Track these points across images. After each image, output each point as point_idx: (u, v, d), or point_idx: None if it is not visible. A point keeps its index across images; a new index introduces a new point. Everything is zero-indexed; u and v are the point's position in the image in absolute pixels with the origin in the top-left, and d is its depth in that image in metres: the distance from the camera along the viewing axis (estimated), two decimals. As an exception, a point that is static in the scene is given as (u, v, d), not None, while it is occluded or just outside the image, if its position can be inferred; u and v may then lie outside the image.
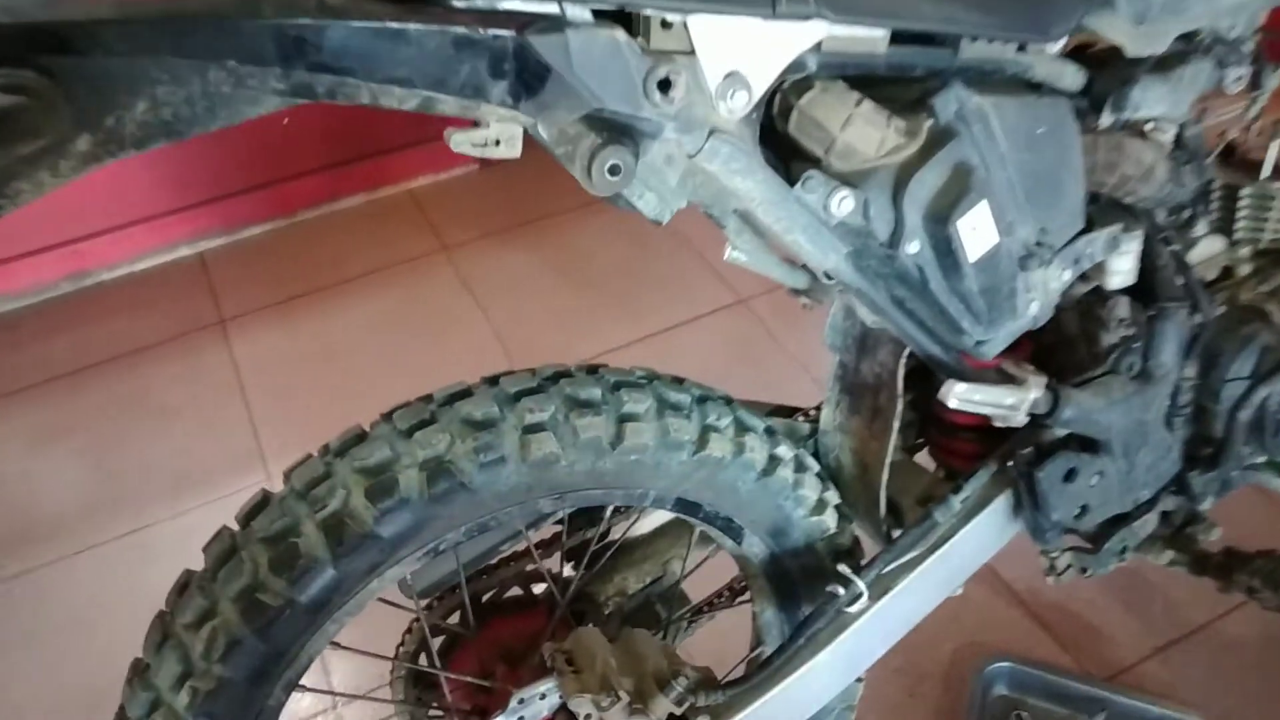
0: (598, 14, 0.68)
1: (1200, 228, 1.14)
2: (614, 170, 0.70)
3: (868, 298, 0.86)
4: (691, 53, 0.72)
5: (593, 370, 0.97)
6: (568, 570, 1.20)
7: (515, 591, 1.19)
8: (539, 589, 1.19)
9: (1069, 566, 1.10)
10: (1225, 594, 1.15)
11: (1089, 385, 0.99)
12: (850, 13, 0.74)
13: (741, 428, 1.00)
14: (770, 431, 1.04)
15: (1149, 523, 1.10)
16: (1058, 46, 0.91)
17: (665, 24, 0.72)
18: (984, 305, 0.86)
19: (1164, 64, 0.95)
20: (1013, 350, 1.01)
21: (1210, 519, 1.19)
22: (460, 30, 0.63)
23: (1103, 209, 0.99)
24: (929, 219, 0.81)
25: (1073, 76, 0.93)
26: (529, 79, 0.67)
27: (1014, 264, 0.86)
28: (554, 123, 0.71)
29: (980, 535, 1.06)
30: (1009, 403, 0.92)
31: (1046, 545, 1.06)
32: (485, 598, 1.16)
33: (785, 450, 1.04)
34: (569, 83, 0.68)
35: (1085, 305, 1.08)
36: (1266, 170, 1.16)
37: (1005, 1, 0.80)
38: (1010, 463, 1.02)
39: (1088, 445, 1.02)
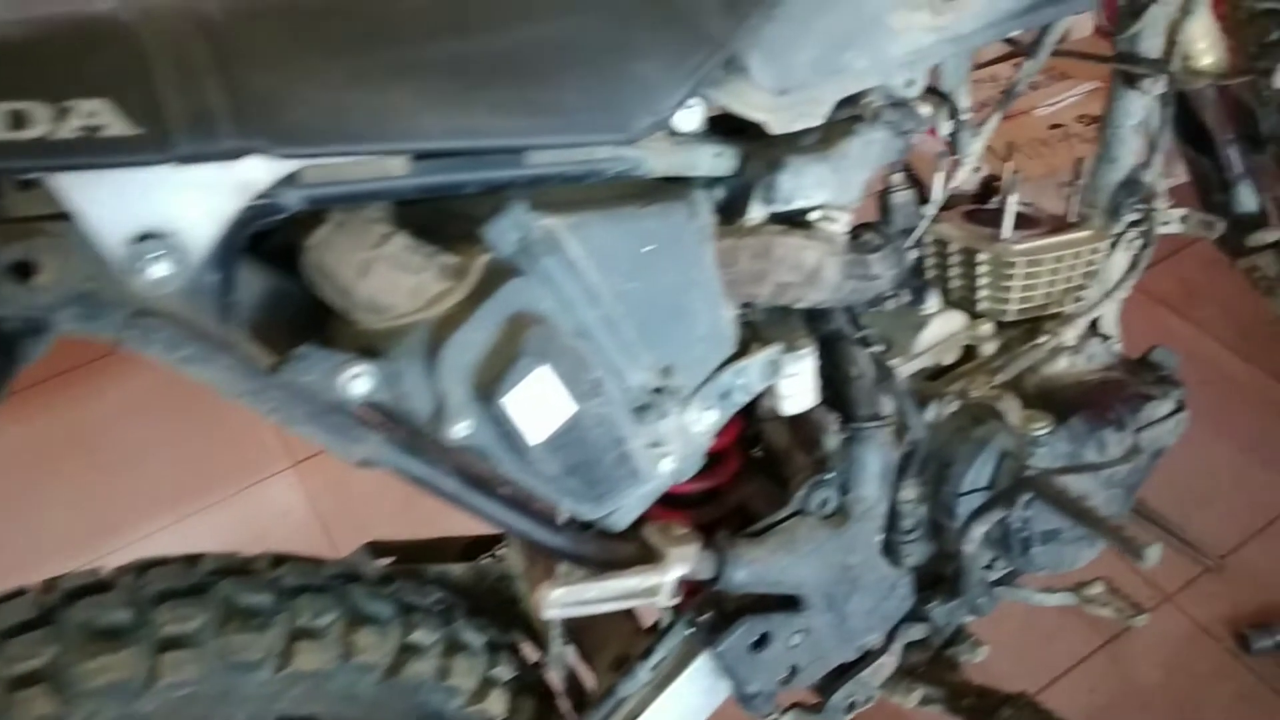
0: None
1: (931, 304, 0.97)
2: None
3: (429, 486, 0.66)
4: (66, 218, 0.51)
5: (142, 571, 0.76)
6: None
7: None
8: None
9: (791, 729, 0.92)
10: None
11: (769, 535, 0.81)
12: (305, 143, 0.54)
13: (357, 620, 0.80)
14: (407, 610, 0.84)
15: (884, 667, 0.93)
16: (693, 123, 0.72)
17: (25, 183, 0.52)
18: (580, 484, 0.67)
19: (825, 139, 0.77)
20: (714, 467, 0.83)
21: (975, 636, 1.03)
22: None
23: (768, 322, 0.80)
24: (477, 392, 0.62)
25: (713, 162, 0.75)
26: None
27: (617, 426, 0.67)
28: None
29: (680, 706, 0.87)
30: (646, 587, 0.73)
31: (759, 714, 0.89)
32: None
33: (426, 634, 0.83)
34: None
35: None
36: (1007, 230, 0.99)
37: (549, 99, 0.61)
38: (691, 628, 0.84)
39: (785, 600, 0.84)
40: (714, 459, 0.94)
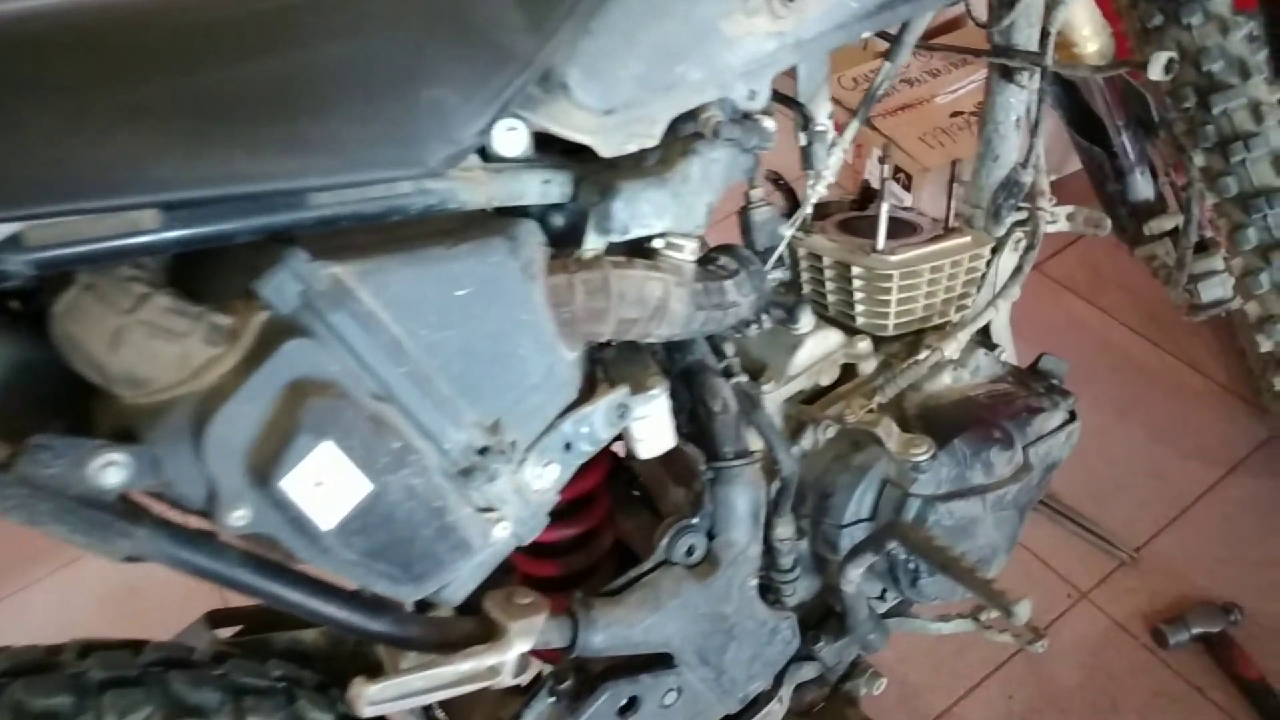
0: None
1: (805, 322, 0.91)
2: None
3: (217, 579, 0.58)
4: None
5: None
6: None
7: None
8: None
9: (675, 790, 0.86)
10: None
11: (629, 591, 0.74)
12: (8, 205, 0.46)
13: (176, 713, 0.70)
14: (239, 694, 0.75)
15: (773, 714, 0.87)
16: (517, 148, 0.64)
17: None
18: (393, 566, 0.59)
19: (664, 160, 0.70)
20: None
21: (873, 668, 0.98)
22: None
23: (620, 359, 0.74)
24: (252, 476, 0.54)
25: (542, 189, 0.68)
26: None
27: (434, 496, 0.59)
28: None
29: (552, 775, 0.81)
30: (485, 668, 0.66)
31: (636, 778, 0.82)
32: None
33: (262, 719, 0.76)
34: None
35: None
36: (881, 241, 0.93)
37: (323, 134, 0.53)
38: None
39: (656, 657, 0.77)
40: (581, 503, 0.87)
